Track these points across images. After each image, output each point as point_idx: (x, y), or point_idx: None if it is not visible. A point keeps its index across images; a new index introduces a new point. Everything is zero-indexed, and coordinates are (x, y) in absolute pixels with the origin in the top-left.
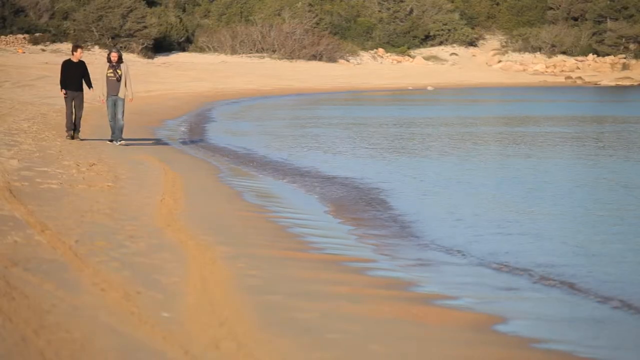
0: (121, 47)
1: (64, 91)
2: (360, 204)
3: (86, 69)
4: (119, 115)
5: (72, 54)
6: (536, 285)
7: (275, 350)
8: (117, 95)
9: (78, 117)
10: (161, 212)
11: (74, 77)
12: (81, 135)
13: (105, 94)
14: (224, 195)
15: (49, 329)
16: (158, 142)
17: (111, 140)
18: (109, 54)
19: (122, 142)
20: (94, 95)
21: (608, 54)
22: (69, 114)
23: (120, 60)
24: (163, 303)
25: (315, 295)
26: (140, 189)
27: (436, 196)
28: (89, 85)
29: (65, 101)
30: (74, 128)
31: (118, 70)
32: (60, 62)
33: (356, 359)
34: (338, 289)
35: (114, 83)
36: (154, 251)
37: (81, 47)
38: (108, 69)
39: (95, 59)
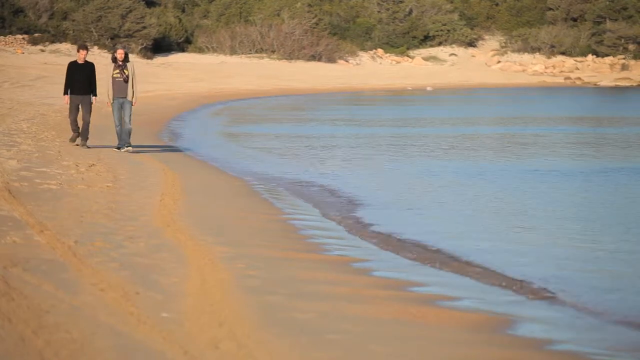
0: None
1: (66, 98)
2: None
3: (93, 71)
4: (127, 119)
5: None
6: (537, 284)
7: (275, 351)
8: (125, 97)
9: (86, 123)
10: (160, 213)
11: (79, 79)
12: (88, 142)
13: (111, 97)
14: (224, 196)
15: (48, 329)
16: (165, 146)
17: (118, 148)
18: (114, 53)
19: (130, 148)
20: (101, 99)
21: (607, 55)
22: (72, 121)
23: (126, 59)
24: (162, 303)
25: (315, 296)
26: (139, 189)
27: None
28: (94, 92)
29: (69, 107)
30: (78, 132)
31: (125, 71)
32: (59, 63)
33: (356, 359)
34: (338, 289)
35: (121, 84)
36: (154, 251)
37: (85, 48)
38: (114, 69)
39: (95, 59)
